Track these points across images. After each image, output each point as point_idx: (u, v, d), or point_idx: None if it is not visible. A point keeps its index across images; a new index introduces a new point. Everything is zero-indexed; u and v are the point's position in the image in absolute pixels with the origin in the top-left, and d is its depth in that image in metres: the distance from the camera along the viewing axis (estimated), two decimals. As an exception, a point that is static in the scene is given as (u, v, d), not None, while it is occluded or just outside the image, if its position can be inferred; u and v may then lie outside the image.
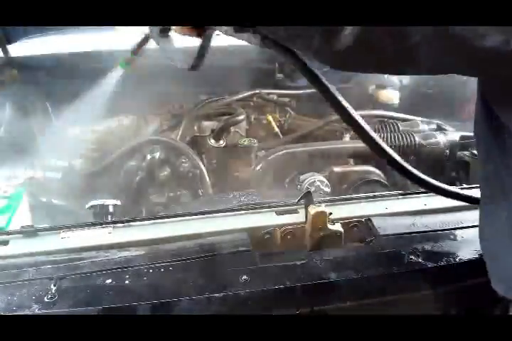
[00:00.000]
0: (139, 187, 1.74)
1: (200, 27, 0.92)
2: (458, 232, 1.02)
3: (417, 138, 1.85)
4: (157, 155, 1.72)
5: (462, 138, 1.80)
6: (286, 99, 2.16)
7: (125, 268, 0.90)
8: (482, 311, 0.95)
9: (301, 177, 1.69)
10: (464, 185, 1.21)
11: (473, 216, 1.07)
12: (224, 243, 0.97)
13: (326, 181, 1.67)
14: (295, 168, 1.76)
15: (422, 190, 1.21)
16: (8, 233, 1.00)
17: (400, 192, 1.19)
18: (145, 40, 1.34)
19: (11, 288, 0.85)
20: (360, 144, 1.81)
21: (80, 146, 1.96)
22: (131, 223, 1.04)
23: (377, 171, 1.73)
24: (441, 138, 1.85)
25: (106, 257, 0.93)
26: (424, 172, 1.80)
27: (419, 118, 2.01)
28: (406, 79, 2.35)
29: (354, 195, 1.15)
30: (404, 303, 0.90)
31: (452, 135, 1.83)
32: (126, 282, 0.86)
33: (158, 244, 0.98)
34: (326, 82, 0.70)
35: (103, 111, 2.00)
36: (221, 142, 1.89)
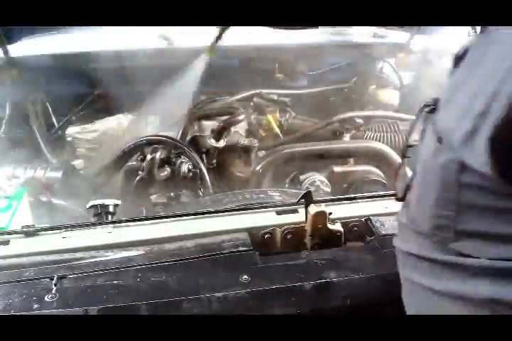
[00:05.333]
0: (138, 187, 1.74)
1: None
2: (458, 232, 1.02)
3: (417, 138, 1.85)
4: (157, 155, 1.72)
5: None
6: (286, 99, 2.16)
7: (125, 268, 0.90)
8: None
9: (301, 177, 1.69)
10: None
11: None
12: (224, 243, 0.97)
13: (326, 181, 1.67)
14: (295, 168, 1.77)
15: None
16: (9, 233, 1.00)
17: (399, 192, 1.19)
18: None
19: (12, 287, 0.85)
20: (360, 144, 1.83)
21: (80, 146, 1.97)
22: (131, 223, 1.04)
23: (377, 171, 1.73)
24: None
25: (106, 257, 0.93)
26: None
27: (419, 118, 2.01)
28: (406, 79, 2.35)
29: (354, 195, 1.15)
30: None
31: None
32: (126, 282, 0.86)
33: (158, 244, 0.98)
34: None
35: (103, 110, 2.00)
36: (221, 142, 1.89)
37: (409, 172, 0.70)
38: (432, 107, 0.67)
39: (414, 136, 0.74)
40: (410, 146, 0.73)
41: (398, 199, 0.72)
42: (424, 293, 0.67)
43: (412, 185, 0.69)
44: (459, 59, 0.70)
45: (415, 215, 0.67)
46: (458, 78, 0.66)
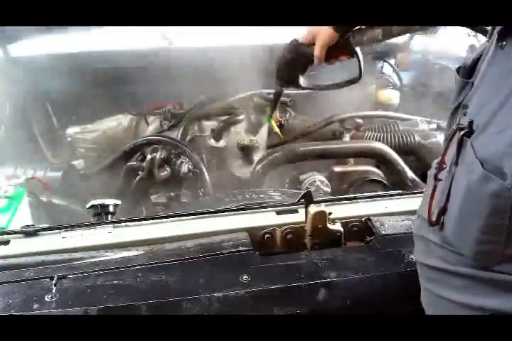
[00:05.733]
0: (138, 187, 1.74)
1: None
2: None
3: (416, 138, 1.85)
4: (157, 155, 1.72)
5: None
6: (287, 99, 2.16)
7: (125, 268, 0.90)
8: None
9: (301, 177, 1.69)
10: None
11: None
12: (224, 243, 0.97)
13: (326, 181, 1.67)
14: (295, 168, 1.77)
15: (422, 190, 1.21)
16: (9, 233, 1.00)
17: (399, 191, 1.19)
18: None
19: (12, 287, 0.85)
20: (360, 144, 1.84)
21: (80, 146, 1.97)
22: (131, 223, 1.04)
23: (377, 171, 1.73)
24: (441, 138, 1.85)
25: (106, 257, 0.93)
26: (424, 172, 1.80)
27: (419, 118, 2.02)
28: (406, 79, 2.35)
29: (354, 195, 1.15)
30: (404, 303, 0.90)
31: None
32: (126, 282, 0.86)
33: (158, 244, 0.98)
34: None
35: (103, 110, 2.00)
36: (221, 142, 1.89)
37: (442, 195, 0.67)
38: (467, 130, 0.63)
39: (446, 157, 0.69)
40: (442, 169, 0.68)
41: (432, 224, 0.69)
42: (455, 308, 0.66)
43: (448, 208, 0.66)
44: (468, 70, 0.70)
45: (454, 239, 0.66)
46: (488, 96, 0.62)
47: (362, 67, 1.08)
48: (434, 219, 0.68)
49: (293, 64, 1.11)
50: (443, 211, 0.67)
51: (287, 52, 1.10)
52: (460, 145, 0.64)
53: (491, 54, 0.64)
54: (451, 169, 0.66)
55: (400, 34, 1.02)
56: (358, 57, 1.06)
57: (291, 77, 1.14)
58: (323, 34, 1.01)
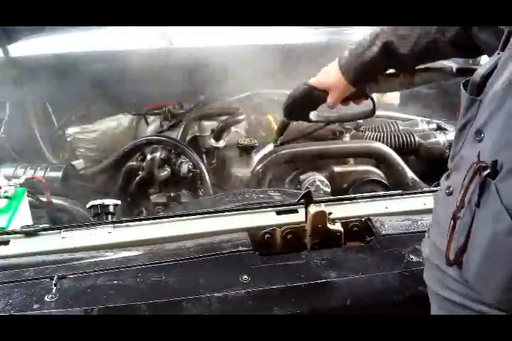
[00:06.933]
0: (138, 187, 1.74)
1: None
2: (458, 232, 1.02)
3: (416, 138, 1.85)
4: (157, 155, 1.72)
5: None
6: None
7: (125, 268, 0.90)
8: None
9: (301, 177, 1.69)
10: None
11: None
12: (224, 243, 0.97)
13: (326, 181, 1.67)
14: (295, 168, 1.77)
15: (422, 190, 1.21)
16: (9, 233, 1.00)
17: (399, 192, 1.19)
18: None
19: (12, 287, 0.85)
20: (360, 144, 1.83)
21: (80, 146, 1.97)
22: (131, 223, 1.04)
23: (377, 171, 1.73)
24: (441, 138, 1.85)
25: (106, 257, 0.93)
26: (424, 172, 1.80)
27: (419, 118, 2.02)
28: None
29: (354, 195, 1.15)
30: (404, 303, 0.90)
31: (452, 134, 1.83)
32: (126, 282, 0.87)
33: (158, 244, 0.98)
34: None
35: (103, 110, 2.00)
36: (221, 142, 1.89)
37: (461, 234, 0.63)
38: (489, 171, 0.58)
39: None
40: (462, 208, 0.63)
41: (451, 264, 0.65)
42: None
43: (468, 248, 0.63)
44: (477, 87, 0.65)
45: (475, 282, 0.63)
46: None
47: (375, 105, 1.11)
48: (452, 257, 0.65)
49: (303, 105, 1.12)
50: (462, 250, 0.63)
51: (299, 95, 1.10)
52: (483, 185, 0.59)
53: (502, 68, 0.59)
54: (471, 208, 0.62)
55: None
56: (372, 99, 1.09)
57: (301, 114, 1.16)
58: (337, 88, 1.02)
